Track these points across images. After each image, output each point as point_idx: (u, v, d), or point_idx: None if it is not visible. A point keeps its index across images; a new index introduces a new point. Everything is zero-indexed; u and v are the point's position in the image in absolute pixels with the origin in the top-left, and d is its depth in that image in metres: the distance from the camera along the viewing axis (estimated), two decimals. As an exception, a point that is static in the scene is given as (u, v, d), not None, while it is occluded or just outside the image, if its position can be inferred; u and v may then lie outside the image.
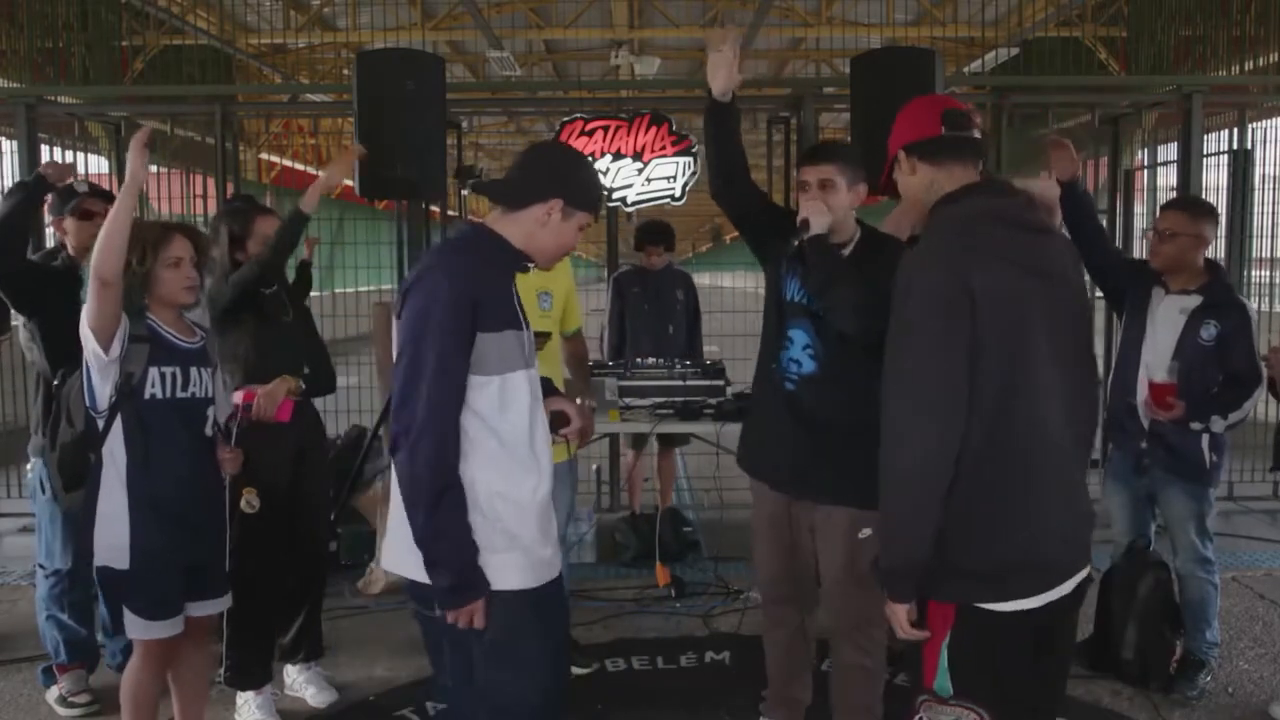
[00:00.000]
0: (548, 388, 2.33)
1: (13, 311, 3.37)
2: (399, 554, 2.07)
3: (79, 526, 2.68)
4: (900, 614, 1.95)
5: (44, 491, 3.38)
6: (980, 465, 1.86)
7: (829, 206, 2.76)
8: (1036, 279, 1.91)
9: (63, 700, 3.41)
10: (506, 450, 2.03)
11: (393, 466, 2.03)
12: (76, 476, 2.64)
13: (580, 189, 2.14)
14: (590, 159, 2.16)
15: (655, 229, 5.38)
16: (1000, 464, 1.87)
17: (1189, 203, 3.70)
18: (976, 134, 2.07)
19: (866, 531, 2.67)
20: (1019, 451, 1.88)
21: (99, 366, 2.54)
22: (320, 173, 3.43)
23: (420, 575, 2.02)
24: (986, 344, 1.84)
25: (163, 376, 2.60)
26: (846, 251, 2.84)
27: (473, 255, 2.06)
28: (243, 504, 2.93)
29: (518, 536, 2.05)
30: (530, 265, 2.14)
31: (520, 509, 2.05)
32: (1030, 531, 1.89)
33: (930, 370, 1.85)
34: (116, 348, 2.52)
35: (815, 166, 2.82)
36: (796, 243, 2.76)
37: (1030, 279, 1.90)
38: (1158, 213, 3.64)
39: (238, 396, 3.05)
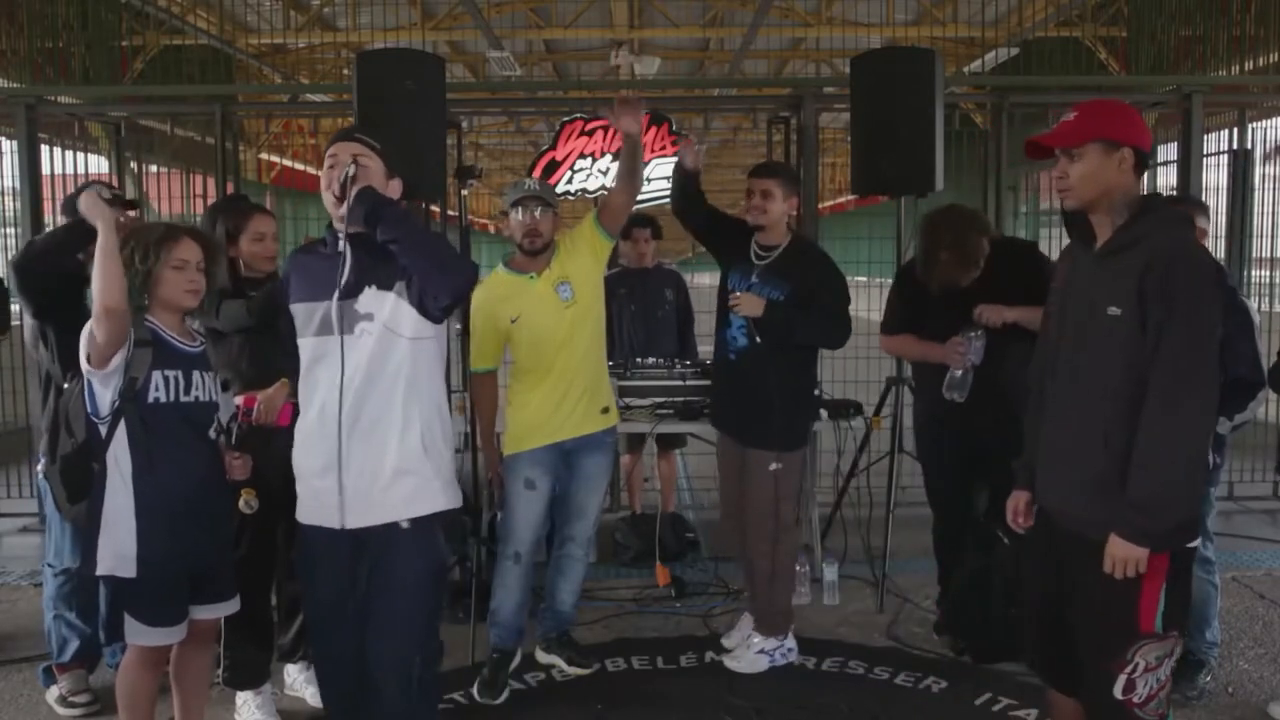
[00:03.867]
0: None
1: (14, 311, 3.36)
2: None
3: (84, 531, 2.67)
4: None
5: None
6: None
7: (766, 210, 3.57)
8: None
9: (63, 700, 3.41)
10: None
11: None
12: (80, 488, 2.60)
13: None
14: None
15: (640, 215, 5.37)
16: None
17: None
18: None
19: (776, 465, 3.55)
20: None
21: (100, 378, 2.53)
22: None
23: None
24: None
25: (166, 380, 2.58)
26: (777, 252, 3.61)
27: None
28: (241, 504, 2.92)
29: None
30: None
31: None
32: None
33: (1211, 354, 2.24)
34: (117, 359, 2.51)
35: (759, 179, 3.60)
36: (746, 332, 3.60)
37: None
38: None
39: (238, 400, 3.05)
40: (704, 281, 5.68)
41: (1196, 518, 2.34)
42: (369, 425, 2.39)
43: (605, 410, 3.62)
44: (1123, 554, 2.19)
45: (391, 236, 2.30)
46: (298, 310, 2.45)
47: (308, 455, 2.49)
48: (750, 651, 3.69)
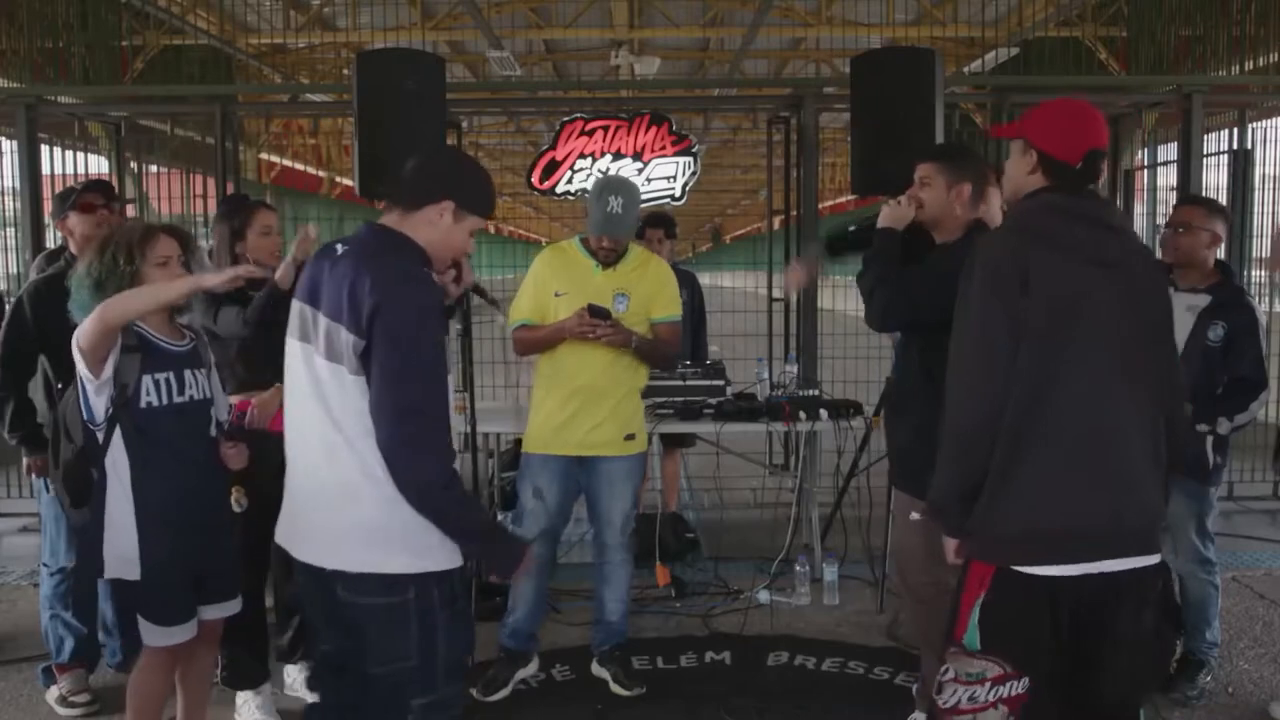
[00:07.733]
0: None
1: None
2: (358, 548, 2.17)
3: (83, 532, 2.68)
4: (950, 545, 2.21)
5: (48, 491, 3.37)
6: (1020, 437, 2.06)
7: (922, 201, 2.88)
8: (1096, 268, 2.10)
9: (63, 700, 3.41)
10: None
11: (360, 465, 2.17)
12: (80, 492, 2.61)
13: (472, 193, 2.22)
14: (485, 171, 2.36)
15: (655, 215, 5.38)
16: (1038, 438, 2.06)
17: (1203, 199, 3.80)
18: (1100, 180, 2.24)
19: (915, 515, 2.90)
20: (1059, 428, 2.06)
21: (94, 388, 2.53)
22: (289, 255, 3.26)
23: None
24: (1033, 323, 2.04)
25: (156, 384, 2.58)
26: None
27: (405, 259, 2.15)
28: (231, 502, 2.92)
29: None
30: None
31: None
32: (1064, 503, 2.07)
33: (977, 347, 2.10)
34: (109, 368, 2.51)
35: (917, 164, 2.94)
36: (853, 228, 3.03)
37: (1090, 268, 2.09)
38: (1169, 210, 3.69)
39: (233, 399, 3.04)
40: (702, 282, 5.66)
41: (1024, 536, 2.08)
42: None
43: (631, 437, 3.51)
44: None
45: None
46: None
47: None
48: None
